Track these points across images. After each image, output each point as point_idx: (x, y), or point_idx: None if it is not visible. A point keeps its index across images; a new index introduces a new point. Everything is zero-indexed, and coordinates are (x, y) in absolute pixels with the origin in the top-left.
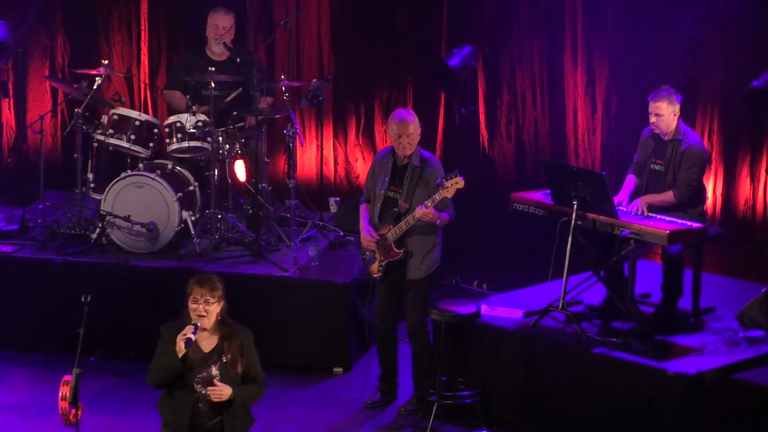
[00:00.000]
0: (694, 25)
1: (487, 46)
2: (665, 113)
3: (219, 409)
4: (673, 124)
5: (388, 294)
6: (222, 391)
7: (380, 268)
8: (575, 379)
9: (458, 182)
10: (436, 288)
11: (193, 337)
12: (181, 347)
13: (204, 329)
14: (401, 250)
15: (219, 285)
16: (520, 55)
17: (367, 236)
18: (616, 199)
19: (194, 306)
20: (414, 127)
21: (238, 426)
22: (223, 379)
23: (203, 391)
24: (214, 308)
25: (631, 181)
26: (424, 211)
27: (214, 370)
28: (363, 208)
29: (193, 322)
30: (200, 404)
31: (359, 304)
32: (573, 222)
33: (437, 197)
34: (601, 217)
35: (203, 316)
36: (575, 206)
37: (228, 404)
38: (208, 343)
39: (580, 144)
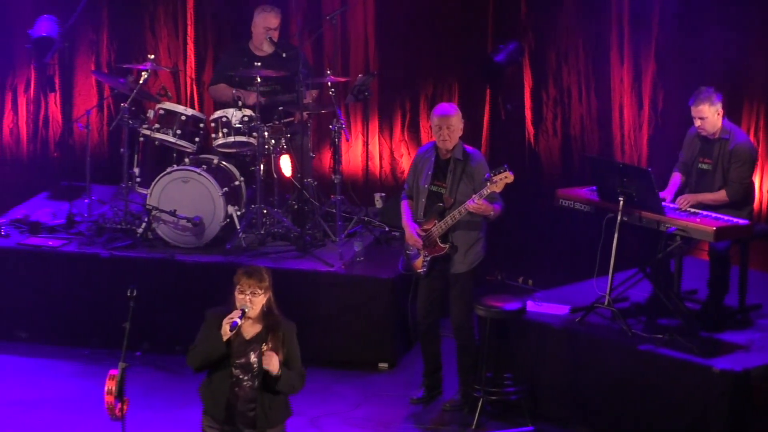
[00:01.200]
0: (739, 21)
1: (534, 42)
2: (708, 115)
3: (256, 395)
4: (719, 123)
5: (431, 289)
6: (273, 359)
7: (425, 264)
8: (621, 376)
9: (508, 177)
10: (482, 284)
11: (239, 321)
12: (226, 330)
13: (249, 317)
14: (447, 245)
15: (266, 276)
16: (566, 51)
17: (414, 235)
18: (661, 196)
19: (241, 296)
20: (456, 121)
21: (273, 415)
22: (260, 367)
23: (241, 376)
24: (260, 299)
25: (677, 179)
26: (477, 204)
27: (253, 357)
28: (405, 205)
29: (241, 307)
30: (237, 389)
31: (405, 300)
32: (619, 218)
33: (486, 192)
34: (648, 214)
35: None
36: (621, 203)
37: (267, 388)
38: (251, 330)
39: (627, 140)
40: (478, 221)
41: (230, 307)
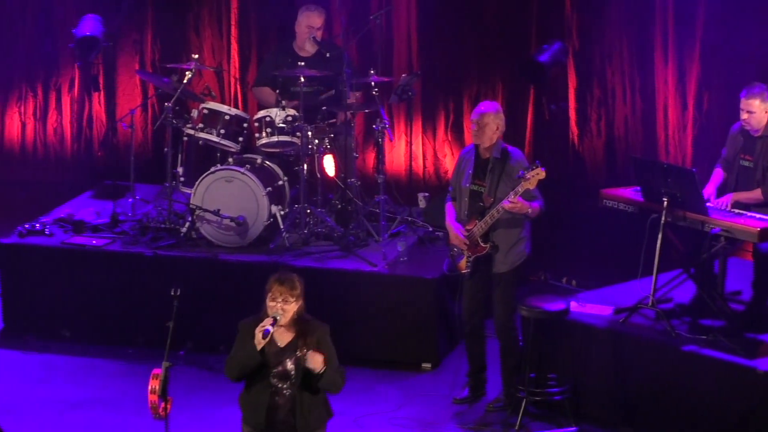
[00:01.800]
0: None
1: (578, 42)
2: (757, 111)
3: (295, 402)
4: (764, 121)
5: (475, 289)
6: (315, 357)
7: (469, 264)
8: (665, 376)
9: (539, 173)
10: (526, 284)
11: (271, 329)
12: (259, 338)
13: (281, 325)
14: (488, 245)
15: (298, 284)
16: (610, 51)
17: (458, 234)
18: (703, 193)
19: (272, 304)
20: (489, 119)
21: (313, 419)
22: (298, 374)
23: (279, 384)
24: (292, 307)
25: (718, 175)
26: (512, 204)
27: (289, 365)
28: (449, 207)
29: (272, 315)
30: (277, 398)
31: (448, 300)
32: (663, 219)
33: (520, 189)
34: (692, 214)
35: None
36: (665, 203)
37: (309, 390)
38: (284, 338)
39: (671, 141)
40: (519, 220)
41: (262, 315)
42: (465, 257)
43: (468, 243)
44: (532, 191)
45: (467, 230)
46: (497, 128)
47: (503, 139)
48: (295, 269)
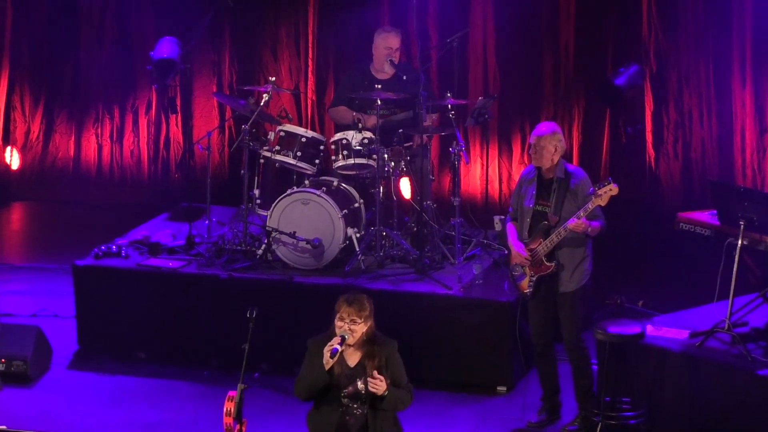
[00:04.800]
0: None
1: (655, 64)
2: None
3: (366, 421)
4: None
5: (541, 310)
6: (380, 383)
7: (531, 284)
8: (740, 401)
9: (612, 189)
10: (601, 308)
11: (339, 348)
12: (327, 358)
13: (349, 345)
14: (552, 263)
15: (367, 305)
16: (687, 74)
17: (520, 252)
18: None
19: (340, 324)
20: (546, 141)
21: None
22: (369, 394)
23: (350, 404)
24: (360, 327)
25: None
26: (576, 223)
27: (360, 385)
28: (510, 227)
29: (340, 334)
30: (347, 417)
31: (523, 323)
32: (740, 243)
33: (590, 206)
34: None
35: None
36: (742, 227)
37: (376, 408)
38: (353, 358)
39: (748, 164)
40: (583, 239)
41: (330, 333)
42: (527, 277)
43: (531, 262)
44: (595, 210)
45: (530, 249)
46: (555, 149)
47: (574, 160)
48: (369, 292)
